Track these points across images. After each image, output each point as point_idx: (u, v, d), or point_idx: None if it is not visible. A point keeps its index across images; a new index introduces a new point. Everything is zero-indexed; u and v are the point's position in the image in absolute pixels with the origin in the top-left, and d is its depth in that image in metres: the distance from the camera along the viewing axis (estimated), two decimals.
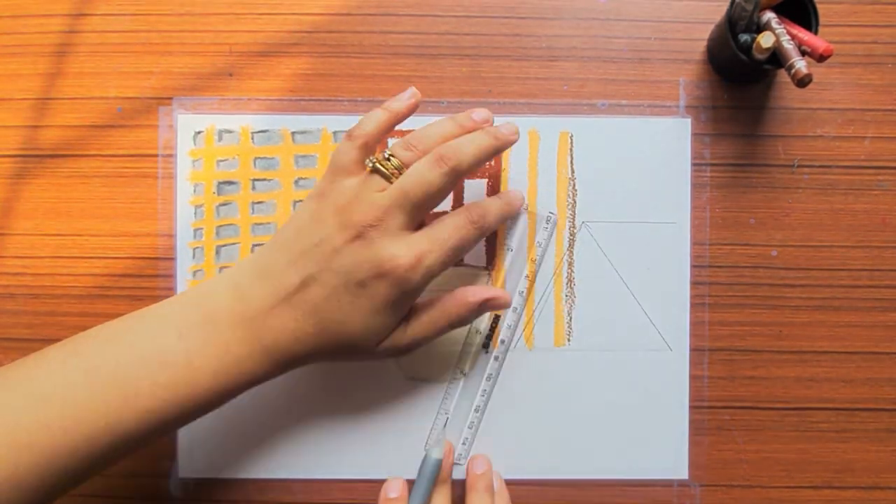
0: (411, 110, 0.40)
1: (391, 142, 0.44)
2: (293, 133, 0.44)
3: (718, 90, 0.45)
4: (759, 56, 0.40)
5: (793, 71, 0.39)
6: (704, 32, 0.45)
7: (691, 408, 0.44)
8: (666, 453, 0.44)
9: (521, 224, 0.44)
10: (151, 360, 0.34)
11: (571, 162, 0.44)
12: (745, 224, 0.44)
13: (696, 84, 0.45)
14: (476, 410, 0.44)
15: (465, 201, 0.44)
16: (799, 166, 0.44)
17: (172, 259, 0.44)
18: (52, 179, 0.45)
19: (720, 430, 0.44)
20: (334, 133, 0.44)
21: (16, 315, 0.44)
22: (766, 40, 0.39)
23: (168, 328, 0.35)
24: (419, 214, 0.37)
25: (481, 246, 0.44)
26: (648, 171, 0.44)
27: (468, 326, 0.44)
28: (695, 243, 0.44)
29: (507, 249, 0.44)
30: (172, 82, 0.45)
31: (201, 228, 0.44)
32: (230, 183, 0.44)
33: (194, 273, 0.44)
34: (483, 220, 0.38)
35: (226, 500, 0.44)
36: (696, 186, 0.44)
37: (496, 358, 0.44)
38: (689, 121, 0.44)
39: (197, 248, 0.44)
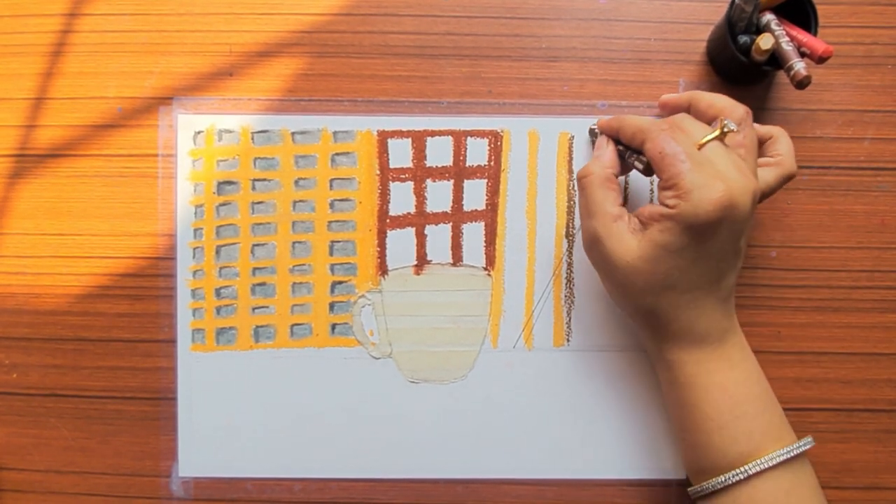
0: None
1: (401, 143, 0.44)
2: (293, 133, 0.44)
3: (718, 91, 0.44)
4: (759, 57, 0.40)
5: (792, 72, 0.39)
6: (704, 33, 0.45)
7: None
8: (666, 453, 0.44)
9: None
10: None
11: (571, 162, 0.45)
12: None
13: (696, 85, 0.45)
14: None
15: (465, 202, 0.44)
16: (798, 167, 0.44)
17: (172, 259, 0.44)
18: (53, 179, 0.45)
19: None
20: (334, 133, 0.44)
21: (16, 315, 0.45)
22: (765, 42, 0.39)
23: None
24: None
25: (481, 246, 0.44)
26: None
27: (475, 328, 0.44)
28: None
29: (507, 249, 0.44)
30: (172, 82, 0.45)
31: (201, 228, 0.44)
32: (230, 183, 0.45)
33: (194, 273, 0.44)
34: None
35: (226, 500, 0.44)
36: None
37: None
38: None
39: (197, 248, 0.44)
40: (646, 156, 0.37)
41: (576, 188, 0.44)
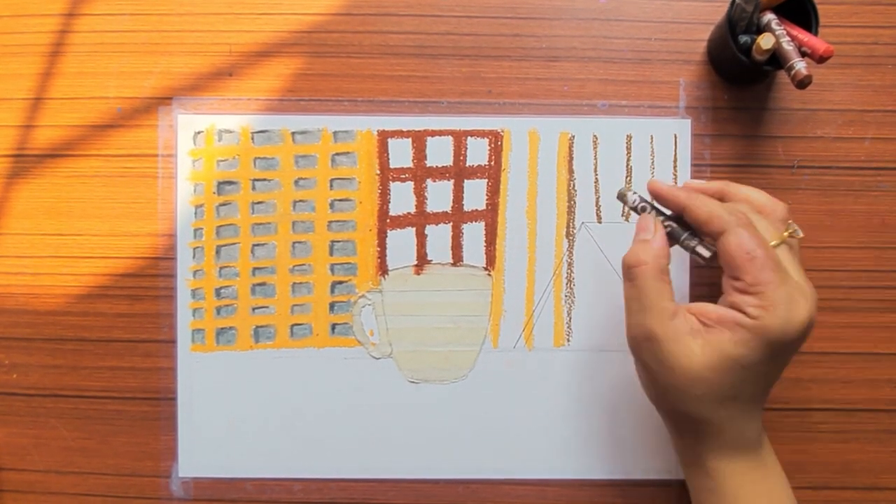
0: None
1: (401, 143, 0.44)
2: (293, 133, 0.44)
3: (718, 91, 0.45)
4: (759, 57, 0.40)
5: (793, 72, 0.39)
6: (705, 33, 0.45)
7: None
8: (665, 453, 0.44)
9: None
10: None
11: (571, 162, 0.44)
12: None
13: (697, 85, 0.45)
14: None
15: (465, 202, 0.44)
16: (799, 167, 0.44)
17: (172, 259, 0.44)
18: (52, 179, 0.45)
19: None
20: (334, 133, 0.44)
21: (16, 315, 0.44)
22: (766, 41, 0.39)
23: None
24: None
25: (481, 246, 0.44)
26: (648, 172, 0.44)
27: (475, 328, 0.44)
28: None
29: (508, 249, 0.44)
30: (172, 82, 0.45)
31: (201, 228, 0.44)
32: (230, 183, 0.44)
33: (194, 273, 0.44)
34: None
35: (226, 500, 0.44)
36: None
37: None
38: (689, 121, 0.44)
39: (197, 248, 0.44)
40: (723, 249, 0.33)
41: (576, 188, 0.44)
